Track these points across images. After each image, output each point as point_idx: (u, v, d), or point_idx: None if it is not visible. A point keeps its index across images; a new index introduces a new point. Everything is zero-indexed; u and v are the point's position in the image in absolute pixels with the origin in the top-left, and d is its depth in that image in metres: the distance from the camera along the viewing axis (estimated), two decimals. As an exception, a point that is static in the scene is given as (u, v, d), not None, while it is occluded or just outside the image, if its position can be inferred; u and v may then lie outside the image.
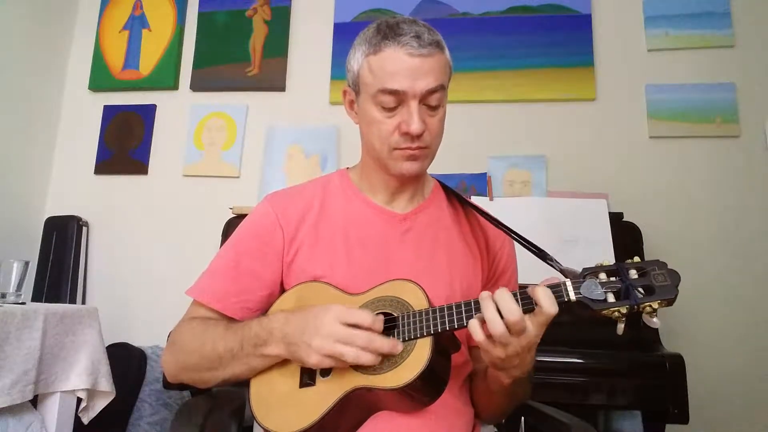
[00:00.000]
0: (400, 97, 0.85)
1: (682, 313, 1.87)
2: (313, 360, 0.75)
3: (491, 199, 1.82)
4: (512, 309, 0.69)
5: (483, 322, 0.71)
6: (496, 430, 0.97)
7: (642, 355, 1.51)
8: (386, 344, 0.74)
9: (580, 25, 2.16)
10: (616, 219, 1.76)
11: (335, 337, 0.73)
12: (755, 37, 2.06)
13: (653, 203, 1.99)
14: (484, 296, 0.72)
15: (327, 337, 0.73)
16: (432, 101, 0.86)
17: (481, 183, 2.07)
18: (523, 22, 2.20)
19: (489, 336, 0.71)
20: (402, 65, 0.83)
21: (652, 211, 1.96)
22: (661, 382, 1.41)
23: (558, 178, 2.07)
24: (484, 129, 2.16)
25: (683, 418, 1.38)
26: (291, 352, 0.78)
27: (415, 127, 0.84)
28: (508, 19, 2.21)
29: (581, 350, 1.47)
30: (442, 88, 0.87)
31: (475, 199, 1.73)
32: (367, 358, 0.73)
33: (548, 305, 0.69)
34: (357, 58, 0.89)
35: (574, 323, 1.61)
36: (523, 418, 1.04)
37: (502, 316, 0.69)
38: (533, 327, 0.70)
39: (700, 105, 2.04)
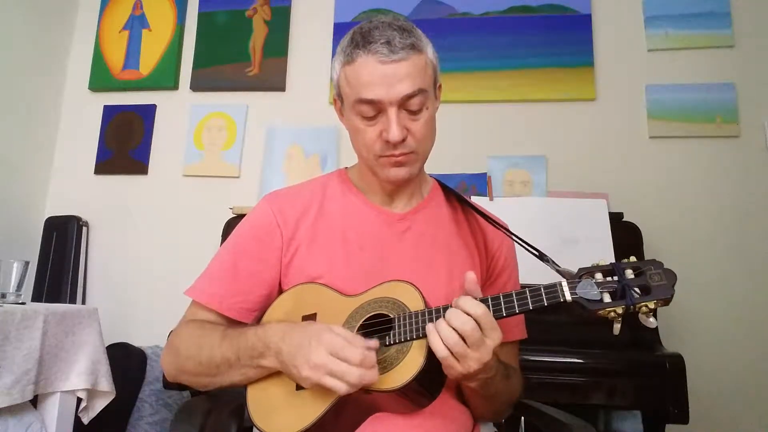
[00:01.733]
0: (377, 106, 0.84)
1: (682, 313, 1.87)
2: (306, 386, 0.75)
3: (491, 199, 1.82)
4: (464, 320, 0.70)
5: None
6: (495, 430, 0.96)
7: (642, 355, 1.51)
8: (376, 378, 0.72)
9: (580, 25, 2.16)
10: (616, 219, 1.76)
11: (325, 370, 0.71)
12: (755, 37, 2.06)
13: (653, 203, 1.99)
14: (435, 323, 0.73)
15: (317, 369, 0.72)
16: (412, 106, 0.84)
17: (481, 183, 2.07)
18: (523, 22, 2.20)
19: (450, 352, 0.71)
20: (375, 74, 0.82)
21: (652, 211, 1.96)
22: (661, 382, 1.41)
23: (558, 178, 2.07)
24: (484, 129, 2.16)
25: (683, 418, 1.38)
26: (285, 370, 0.78)
27: (393, 135, 0.83)
28: (508, 19, 2.21)
29: (581, 350, 1.47)
30: (421, 92, 0.84)
31: (475, 199, 1.73)
32: (355, 389, 0.72)
33: (472, 308, 0.71)
34: (336, 69, 0.89)
35: (574, 323, 1.62)
36: (523, 418, 1.04)
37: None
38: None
39: (700, 105, 2.04)
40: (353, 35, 0.86)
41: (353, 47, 0.84)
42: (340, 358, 0.71)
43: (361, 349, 0.72)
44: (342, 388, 0.71)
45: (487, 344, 0.71)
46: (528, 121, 2.14)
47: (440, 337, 0.71)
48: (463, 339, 0.70)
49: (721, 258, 1.94)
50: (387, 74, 0.82)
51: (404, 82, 0.82)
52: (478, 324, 0.71)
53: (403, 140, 0.85)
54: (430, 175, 1.05)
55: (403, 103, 0.84)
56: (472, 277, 0.76)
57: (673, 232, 1.95)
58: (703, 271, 1.91)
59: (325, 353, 0.72)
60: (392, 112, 0.83)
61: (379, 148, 0.86)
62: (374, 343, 0.74)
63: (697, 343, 1.85)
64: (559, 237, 1.69)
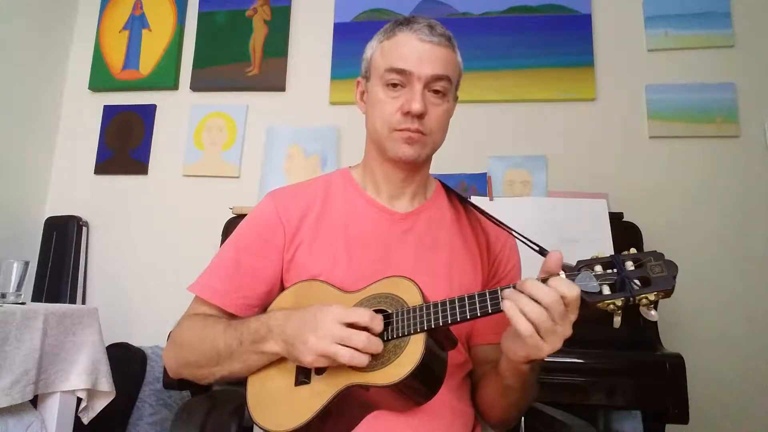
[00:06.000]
0: (406, 77, 0.88)
1: (682, 313, 1.87)
2: (308, 359, 0.75)
3: (491, 199, 1.82)
4: (548, 292, 0.67)
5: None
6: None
7: (642, 355, 1.51)
8: (381, 347, 0.73)
9: (580, 25, 2.16)
10: (616, 219, 1.75)
11: (332, 338, 0.72)
12: (755, 37, 2.06)
13: (653, 203, 1.99)
14: (508, 292, 0.70)
15: (323, 337, 0.73)
16: (436, 87, 0.89)
17: (481, 183, 2.07)
18: (523, 22, 2.20)
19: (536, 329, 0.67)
20: (412, 48, 0.88)
21: (652, 211, 1.96)
22: (661, 382, 1.41)
23: (558, 178, 2.07)
24: (484, 129, 2.16)
25: (683, 418, 1.38)
26: (288, 351, 0.78)
27: (416, 106, 0.86)
28: (508, 19, 2.21)
29: (581, 350, 1.47)
30: (447, 79, 0.89)
31: (475, 199, 1.73)
32: (361, 360, 0.72)
33: (568, 290, 0.67)
34: (372, 46, 0.95)
35: (573, 323, 1.61)
36: (523, 418, 1.04)
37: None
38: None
39: (700, 105, 2.04)
40: (397, 19, 0.94)
41: (396, 25, 0.92)
42: (347, 324, 0.73)
43: (369, 312, 0.74)
44: (346, 354, 0.71)
45: (570, 318, 0.68)
46: (528, 121, 2.14)
47: (523, 312, 0.67)
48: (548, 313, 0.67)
49: (721, 258, 1.94)
50: (423, 51, 0.88)
51: (435, 63, 0.88)
52: (563, 300, 0.67)
53: (421, 116, 0.87)
54: (432, 176, 1.05)
55: (429, 83, 0.88)
56: (558, 256, 0.73)
57: (673, 232, 1.95)
58: (704, 270, 1.91)
59: (332, 320, 0.73)
60: (418, 86, 0.87)
61: (396, 121, 0.89)
62: (379, 316, 0.75)
63: (697, 343, 1.85)
64: (559, 237, 1.69)
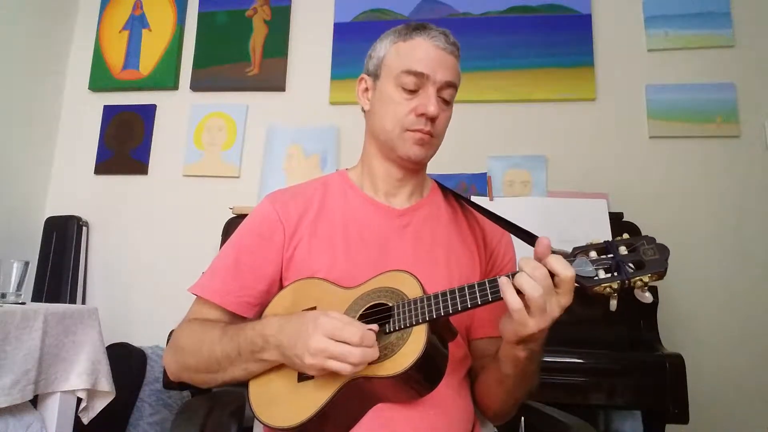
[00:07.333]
0: (421, 81, 0.91)
1: (682, 313, 1.87)
2: (312, 373, 0.76)
3: (491, 199, 1.82)
4: (539, 267, 0.69)
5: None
6: (495, 429, 0.96)
7: (642, 355, 1.51)
8: (377, 354, 0.73)
9: (580, 25, 2.16)
10: (616, 219, 1.76)
11: (326, 354, 0.72)
12: (755, 37, 2.06)
13: (653, 203, 1.99)
14: (510, 277, 0.72)
15: (318, 354, 0.72)
16: (445, 95, 0.93)
17: (481, 183, 2.07)
18: (524, 22, 2.20)
19: (526, 306, 0.69)
20: (429, 53, 0.91)
21: (652, 211, 1.96)
22: (661, 382, 1.41)
23: (558, 178, 2.07)
24: (484, 129, 2.16)
25: (683, 418, 1.38)
26: (287, 361, 0.79)
27: (432, 109, 0.89)
28: (508, 19, 2.22)
29: (581, 350, 1.47)
30: (455, 87, 0.94)
31: (475, 199, 1.73)
32: (360, 369, 0.72)
33: (562, 269, 0.69)
34: (384, 45, 0.97)
35: (573, 323, 1.62)
36: (523, 418, 1.04)
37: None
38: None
39: (700, 105, 2.04)
40: (409, 23, 0.96)
41: (411, 30, 0.94)
42: (338, 340, 0.72)
43: (359, 328, 0.73)
44: (345, 368, 0.71)
45: (560, 302, 0.70)
46: (528, 121, 2.14)
47: (519, 287, 0.69)
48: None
49: (721, 258, 1.94)
50: (439, 58, 0.92)
51: (449, 70, 0.92)
52: (554, 281, 0.70)
53: (434, 119, 0.91)
54: (429, 176, 1.06)
55: (441, 89, 0.92)
56: (546, 242, 0.74)
57: (673, 232, 1.95)
58: (703, 271, 1.91)
59: (323, 337, 0.73)
60: (432, 90, 0.91)
61: (410, 122, 0.91)
62: (374, 326, 0.75)
63: (697, 343, 1.85)
64: (559, 237, 1.69)
